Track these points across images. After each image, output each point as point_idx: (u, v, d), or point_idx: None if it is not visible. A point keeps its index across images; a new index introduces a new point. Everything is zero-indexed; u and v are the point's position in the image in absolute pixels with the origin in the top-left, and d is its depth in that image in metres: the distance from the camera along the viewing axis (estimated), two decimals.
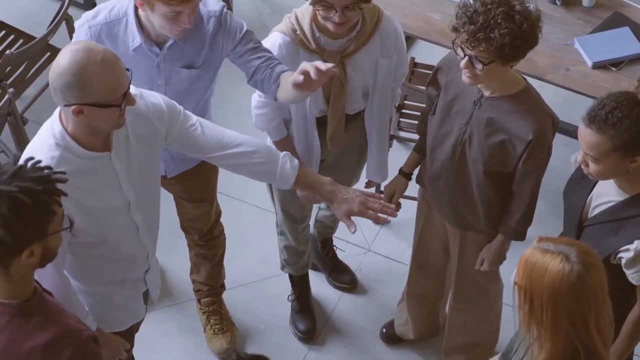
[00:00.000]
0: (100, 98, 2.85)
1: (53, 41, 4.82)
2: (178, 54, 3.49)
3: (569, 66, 4.43)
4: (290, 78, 3.31)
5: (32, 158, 2.62)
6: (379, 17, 3.68)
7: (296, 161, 3.34)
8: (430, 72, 4.72)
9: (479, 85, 3.43)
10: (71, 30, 4.90)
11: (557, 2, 4.65)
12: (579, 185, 3.34)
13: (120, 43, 3.45)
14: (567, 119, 5.26)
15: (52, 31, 4.68)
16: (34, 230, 2.54)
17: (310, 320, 4.56)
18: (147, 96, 3.16)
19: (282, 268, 4.50)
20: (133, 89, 3.03)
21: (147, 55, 3.47)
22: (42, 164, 2.62)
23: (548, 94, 4.58)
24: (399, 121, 4.68)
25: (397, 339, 4.52)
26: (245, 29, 3.54)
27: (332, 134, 3.85)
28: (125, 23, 3.43)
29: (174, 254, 4.67)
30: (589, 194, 3.29)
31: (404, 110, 4.72)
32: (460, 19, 3.24)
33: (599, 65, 4.43)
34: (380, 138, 3.96)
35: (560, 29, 4.57)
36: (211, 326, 4.48)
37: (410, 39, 5.44)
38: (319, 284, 4.72)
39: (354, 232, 3.25)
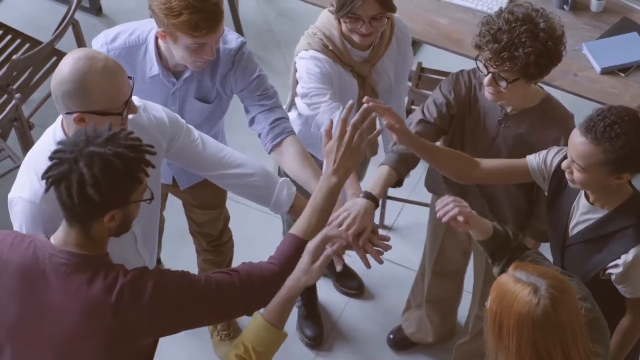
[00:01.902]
0: (101, 106, 2.84)
1: (59, 46, 4.81)
2: (194, 85, 3.49)
3: (577, 72, 4.42)
4: (295, 152, 3.34)
5: (124, 129, 2.70)
6: (392, 20, 3.70)
7: (294, 189, 3.28)
8: (437, 76, 4.78)
9: (499, 103, 3.39)
10: (77, 35, 4.90)
11: (565, 7, 4.64)
12: (555, 206, 3.31)
13: (137, 68, 3.44)
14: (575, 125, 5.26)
15: (58, 36, 4.68)
16: (120, 195, 2.65)
17: (317, 326, 4.56)
18: (150, 109, 3.15)
19: None
20: (137, 100, 3.02)
21: (163, 84, 3.47)
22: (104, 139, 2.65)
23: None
24: None
25: (404, 345, 4.51)
26: (257, 73, 3.49)
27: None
28: (145, 50, 3.42)
29: (179, 259, 4.66)
30: (568, 215, 3.26)
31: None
32: (484, 37, 3.20)
33: (608, 71, 4.42)
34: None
35: (568, 34, 4.47)
36: (218, 332, 4.48)
37: (416, 44, 5.44)
38: (326, 290, 4.71)
39: (339, 270, 2.97)
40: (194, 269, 4.46)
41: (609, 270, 3.14)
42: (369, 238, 3.10)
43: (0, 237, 2.81)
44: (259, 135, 3.48)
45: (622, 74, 4.41)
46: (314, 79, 3.62)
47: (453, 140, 3.59)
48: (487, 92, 3.30)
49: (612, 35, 4.54)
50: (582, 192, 3.20)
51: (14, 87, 4.74)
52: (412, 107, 4.70)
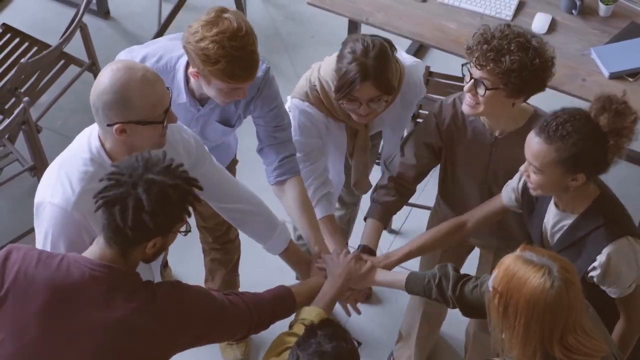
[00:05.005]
0: (142, 115, 2.86)
1: (67, 49, 4.82)
2: (217, 111, 3.51)
3: (586, 76, 4.41)
4: (295, 195, 3.53)
5: (173, 159, 2.75)
6: (400, 77, 3.63)
7: (289, 235, 3.51)
8: (445, 80, 4.78)
9: (488, 125, 3.41)
10: (85, 38, 4.91)
11: (573, 11, 4.63)
12: (532, 223, 3.35)
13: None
14: None
15: (66, 39, 4.68)
16: (169, 224, 2.72)
17: None
18: (180, 130, 3.18)
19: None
20: None
21: (188, 109, 3.48)
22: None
23: (563, 104, 4.57)
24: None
25: None
26: (277, 103, 3.53)
27: (356, 181, 3.96)
28: (172, 77, 3.40)
29: (185, 262, 4.66)
30: (541, 227, 3.29)
31: (419, 120, 4.70)
32: (476, 39, 3.25)
33: (616, 76, 4.41)
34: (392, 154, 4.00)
35: (576, 39, 4.55)
36: None
37: (424, 48, 5.44)
38: None
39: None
40: (201, 272, 4.47)
41: (590, 274, 3.16)
42: (355, 295, 3.55)
43: (22, 253, 2.79)
44: (265, 165, 3.57)
45: (631, 79, 4.41)
46: (304, 134, 3.66)
47: (446, 171, 3.64)
48: (465, 105, 3.32)
49: (621, 40, 4.53)
50: (552, 204, 3.22)
51: (22, 90, 4.75)
52: (420, 111, 4.69)
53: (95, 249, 2.77)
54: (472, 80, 3.26)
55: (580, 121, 3.00)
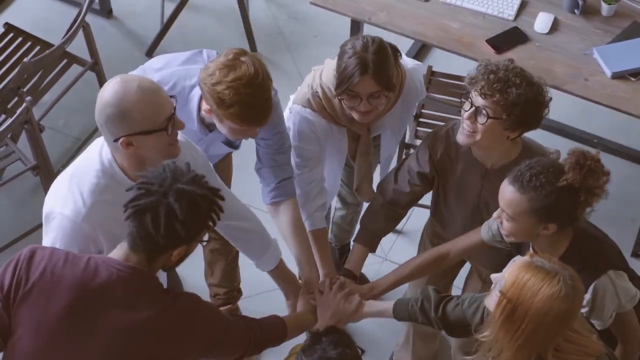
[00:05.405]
0: (143, 125, 2.87)
1: (70, 48, 4.82)
2: (223, 135, 3.50)
3: (588, 76, 4.41)
4: (289, 218, 3.60)
5: (195, 171, 2.80)
6: (402, 79, 3.64)
7: (280, 253, 3.59)
8: (448, 80, 4.78)
9: (480, 158, 3.43)
10: (88, 37, 4.90)
11: (575, 11, 4.63)
12: (521, 252, 3.36)
13: None
14: (584, 128, 5.25)
15: (69, 39, 4.68)
16: (196, 232, 2.76)
17: None
18: (190, 147, 3.21)
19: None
20: (180, 136, 3.05)
21: (195, 133, 3.50)
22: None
23: (566, 103, 4.59)
24: (416, 130, 4.67)
25: None
26: (280, 128, 3.56)
27: (358, 186, 3.98)
28: (184, 104, 3.40)
29: (189, 261, 4.64)
30: None
31: (421, 119, 4.70)
32: (481, 69, 3.27)
33: (618, 76, 4.40)
34: (391, 154, 4.05)
35: (579, 38, 4.55)
36: None
37: (427, 47, 5.44)
38: None
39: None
40: (200, 265, 4.46)
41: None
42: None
43: (48, 252, 2.81)
44: (262, 185, 3.62)
45: (633, 79, 4.40)
46: (303, 140, 3.67)
47: (439, 196, 3.68)
48: (461, 135, 3.34)
49: (623, 40, 4.53)
50: (530, 246, 3.24)
51: (25, 89, 4.74)
52: (423, 110, 4.69)
53: (119, 252, 2.79)
54: (473, 109, 3.27)
55: (554, 174, 3.02)
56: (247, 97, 3.17)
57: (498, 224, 3.20)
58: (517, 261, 2.75)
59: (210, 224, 2.78)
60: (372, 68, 3.40)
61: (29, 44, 5.04)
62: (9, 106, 4.75)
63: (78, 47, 4.90)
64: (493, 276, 2.84)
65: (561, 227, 3.10)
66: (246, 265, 4.48)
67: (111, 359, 2.76)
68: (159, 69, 3.48)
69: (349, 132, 3.77)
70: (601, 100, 4.35)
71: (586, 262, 3.11)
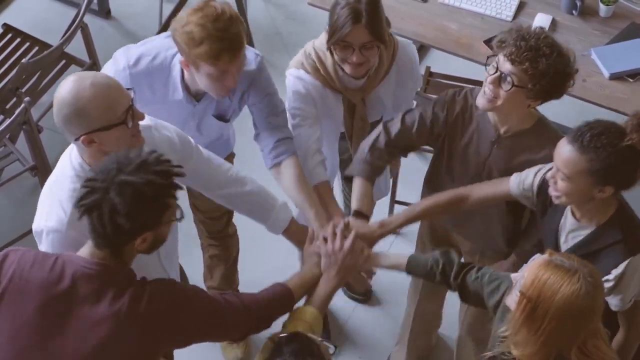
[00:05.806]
0: (101, 121, 2.86)
1: (68, 49, 4.82)
2: (213, 104, 3.53)
3: (586, 77, 4.41)
4: (292, 174, 3.49)
5: (155, 151, 2.73)
6: (394, 48, 3.66)
7: (290, 213, 3.48)
8: (446, 81, 4.78)
9: (495, 122, 3.39)
10: (86, 38, 4.91)
11: (573, 12, 4.64)
12: (544, 225, 3.33)
13: (158, 89, 3.47)
14: None
15: (67, 39, 4.68)
16: (150, 220, 2.71)
17: (324, 331, 4.54)
18: (160, 128, 3.18)
19: None
20: (147, 119, 3.04)
21: (184, 106, 3.50)
22: (155, 158, 2.72)
23: (564, 104, 4.58)
24: None
25: None
26: (270, 90, 3.56)
27: None
28: (167, 74, 3.43)
29: (189, 263, 4.65)
30: (556, 233, 3.27)
31: None
32: (512, 33, 3.19)
33: (616, 76, 4.41)
34: None
35: (577, 39, 4.55)
36: None
37: (425, 48, 5.44)
38: (334, 295, 4.69)
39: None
40: (200, 267, 4.47)
41: None
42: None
43: (18, 255, 2.81)
44: (262, 149, 3.56)
45: (631, 80, 4.41)
46: (298, 100, 3.65)
47: (441, 161, 3.60)
48: (482, 98, 3.27)
49: (621, 41, 4.53)
50: (568, 209, 3.21)
51: (23, 90, 4.75)
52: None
53: (87, 249, 2.78)
54: (498, 74, 3.21)
55: (615, 135, 2.97)
56: (215, 32, 3.18)
57: (551, 184, 3.10)
58: (536, 260, 2.72)
59: (168, 203, 2.71)
60: (365, 17, 3.41)
61: (27, 44, 5.05)
62: (7, 107, 4.76)
63: (76, 47, 4.91)
64: (513, 275, 2.82)
65: (618, 189, 3.05)
66: (246, 268, 4.51)
67: (88, 357, 2.74)
68: (142, 44, 3.51)
69: (344, 101, 3.74)
70: (599, 101, 4.36)
71: (627, 235, 3.09)
